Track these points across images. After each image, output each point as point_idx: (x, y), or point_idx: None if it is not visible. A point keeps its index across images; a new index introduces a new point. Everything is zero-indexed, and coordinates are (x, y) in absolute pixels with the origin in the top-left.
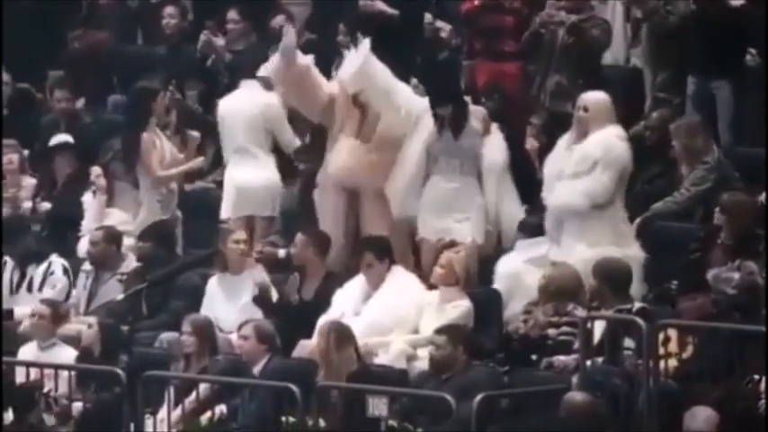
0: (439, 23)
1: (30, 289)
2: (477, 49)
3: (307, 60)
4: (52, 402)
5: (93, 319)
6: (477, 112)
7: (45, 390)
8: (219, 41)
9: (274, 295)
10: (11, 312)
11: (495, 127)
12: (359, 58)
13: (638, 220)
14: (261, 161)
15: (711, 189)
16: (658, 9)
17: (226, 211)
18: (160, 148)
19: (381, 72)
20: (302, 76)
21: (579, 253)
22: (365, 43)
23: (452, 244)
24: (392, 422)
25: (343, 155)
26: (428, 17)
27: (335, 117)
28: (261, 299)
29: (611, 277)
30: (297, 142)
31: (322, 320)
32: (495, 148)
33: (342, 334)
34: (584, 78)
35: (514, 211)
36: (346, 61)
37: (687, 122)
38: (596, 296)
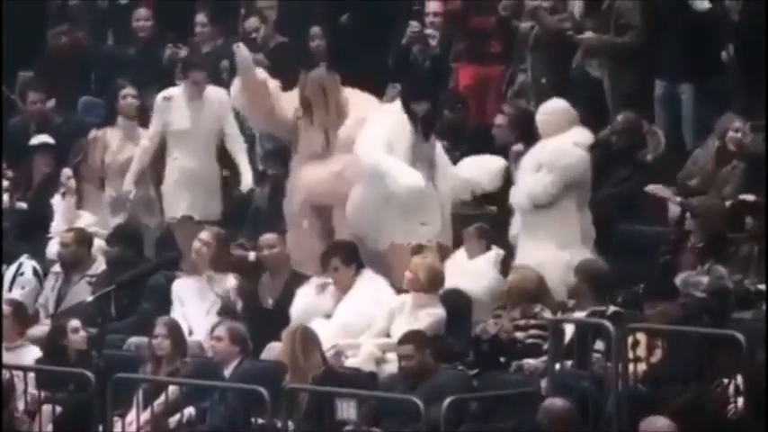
0: (428, 31)
1: None
2: (461, 50)
3: (263, 75)
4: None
5: (76, 323)
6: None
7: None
8: (183, 53)
9: (239, 304)
10: None
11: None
12: None
13: None
14: None
15: None
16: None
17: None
18: (113, 150)
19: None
20: (260, 92)
21: (524, 254)
22: None
23: (420, 248)
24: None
25: (307, 174)
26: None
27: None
28: (226, 312)
29: (592, 278)
30: None
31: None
32: (440, 150)
33: (308, 338)
34: (548, 77)
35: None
36: None
37: None
38: (575, 295)
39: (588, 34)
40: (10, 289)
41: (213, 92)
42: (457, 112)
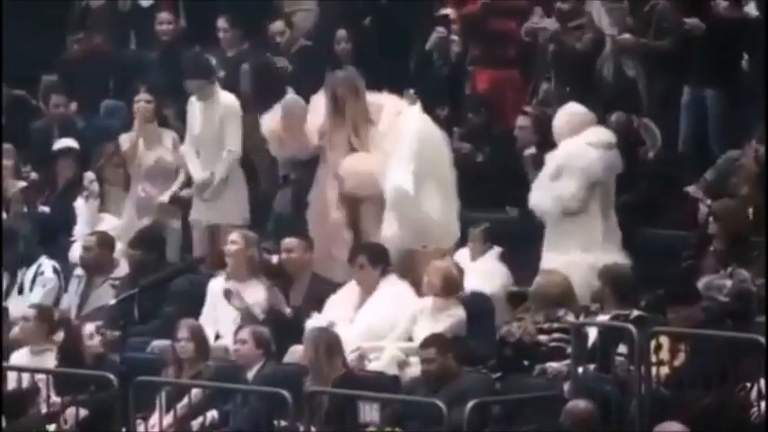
0: (453, 37)
1: (21, 291)
2: (477, 55)
3: (304, 112)
4: (43, 407)
5: (92, 327)
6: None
7: (39, 396)
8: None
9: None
10: (6, 310)
11: None
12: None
13: None
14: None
15: None
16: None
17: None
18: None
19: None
20: (297, 130)
21: (548, 257)
22: None
23: (437, 251)
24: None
25: (344, 166)
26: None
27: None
28: (248, 318)
29: (616, 282)
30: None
31: (309, 326)
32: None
33: (332, 344)
34: (573, 86)
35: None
36: None
37: None
38: (599, 299)
39: (626, 36)
40: (30, 289)
41: (224, 97)
42: (480, 114)
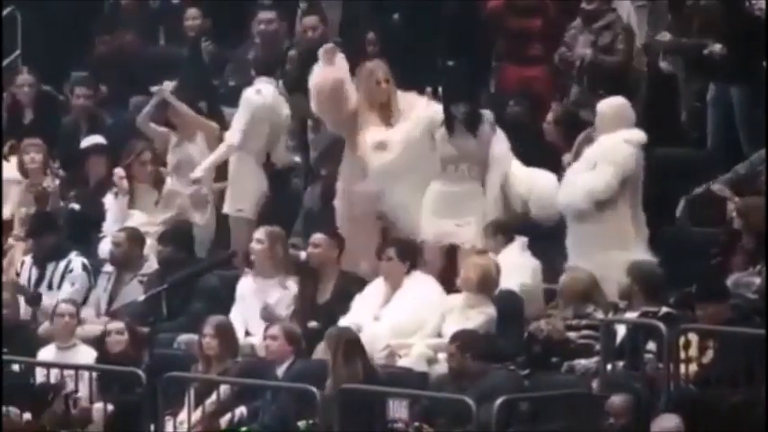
0: None
1: (50, 287)
2: (503, 51)
3: (343, 73)
4: (71, 404)
5: (119, 324)
6: (487, 116)
7: (66, 391)
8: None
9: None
10: (39, 297)
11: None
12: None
13: None
14: (262, 164)
15: None
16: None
17: (249, 211)
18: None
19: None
20: (337, 89)
21: (577, 255)
22: None
23: (453, 247)
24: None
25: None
26: None
27: (356, 124)
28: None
29: (644, 279)
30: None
31: (344, 321)
32: (499, 149)
33: (351, 346)
34: (606, 89)
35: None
36: None
37: None
38: (626, 296)
39: (666, 36)
40: (59, 286)
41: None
42: (521, 105)
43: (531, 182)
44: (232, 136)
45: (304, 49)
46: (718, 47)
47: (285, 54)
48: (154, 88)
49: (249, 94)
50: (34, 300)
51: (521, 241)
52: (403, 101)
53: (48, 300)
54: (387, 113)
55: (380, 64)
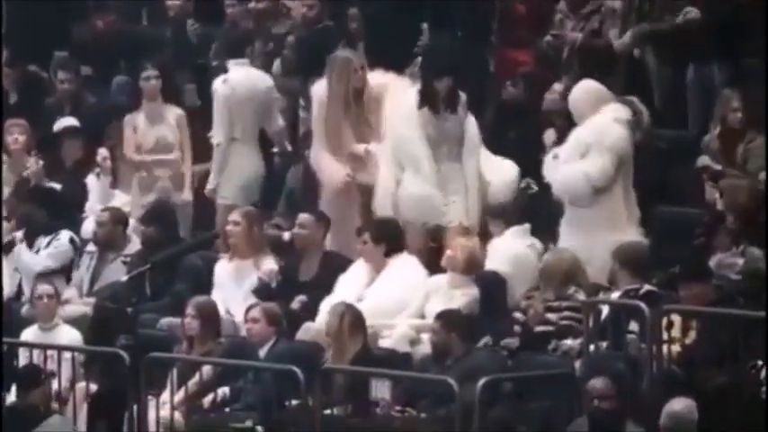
0: None
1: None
2: (495, 33)
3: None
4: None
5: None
6: (461, 97)
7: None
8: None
9: (273, 283)
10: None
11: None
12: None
13: None
14: (256, 146)
15: None
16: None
17: (234, 197)
18: (141, 132)
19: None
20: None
21: (569, 237)
22: None
23: (437, 228)
24: None
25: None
26: None
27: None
28: (260, 292)
29: (631, 261)
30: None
31: (328, 302)
32: (473, 128)
33: (356, 318)
34: (599, 73)
35: (505, 176)
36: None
37: None
38: (613, 279)
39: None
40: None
41: None
42: (518, 86)
43: (494, 168)
44: (215, 136)
45: (302, 34)
46: (693, 11)
47: (271, 36)
48: None
49: (216, 86)
50: None
51: (518, 228)
52: (380, 85)
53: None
54: (361, 100)
55: (354, 53)
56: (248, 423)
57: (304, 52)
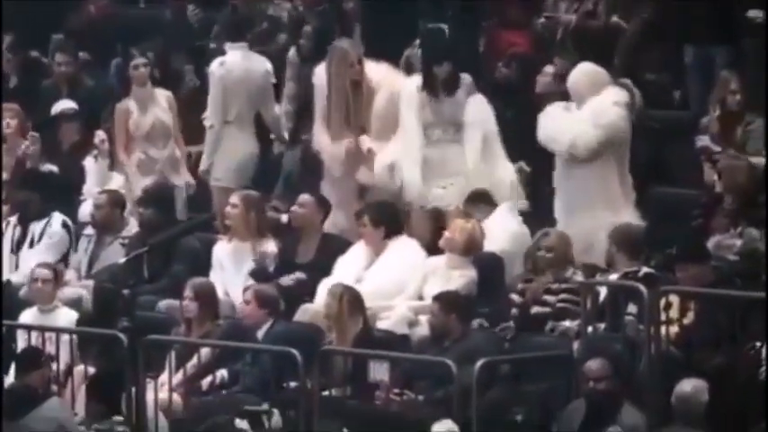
0: None
1: (31, 245)
2: (488, 14)
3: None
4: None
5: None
6: (465, 79)
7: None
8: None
9: (271, 266)
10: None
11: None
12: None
13: None
14: (251, 129)
15: None
16: None
17: (227, 179)
18: (134, 117)
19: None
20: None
21: (565, 217)
22: None
23: (437, 210)
24: None
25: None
26: None
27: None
28: (258, 274)
29: (626, 242)
30: (278, 113)
31: (326, 283)
32: (476, 111)
33: (354, 298)
34: (594, 54)
35: (502, 173)
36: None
37: None
38: (610, 260)
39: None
40: (39, 241)
41: None
42: (513, 70)
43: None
44: (209, 118)
45: (318, 23)
46: None
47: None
48: None
49: (213, 68)
50: None
51: (506, 206)
52: (376, 76)
53: (31, 257)
54: (359, 91)
55: (352, 44)
56: (264, 406)
57: (320, 42)
